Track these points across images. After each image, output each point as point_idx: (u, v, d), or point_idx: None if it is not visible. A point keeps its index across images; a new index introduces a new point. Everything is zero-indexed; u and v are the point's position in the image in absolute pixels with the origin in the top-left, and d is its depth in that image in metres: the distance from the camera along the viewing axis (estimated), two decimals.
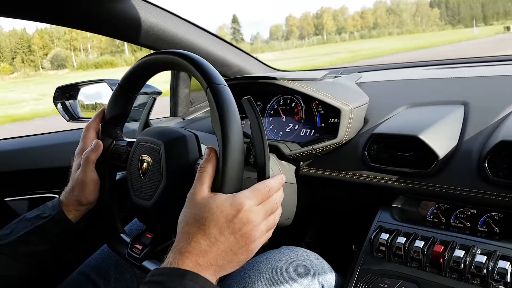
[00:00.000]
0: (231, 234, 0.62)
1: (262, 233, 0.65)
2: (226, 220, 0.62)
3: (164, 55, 0.79)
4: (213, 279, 0.62)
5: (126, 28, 1.16)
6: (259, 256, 0.88)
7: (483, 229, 0.84)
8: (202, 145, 0.83)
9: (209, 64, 0.72)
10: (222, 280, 0.84)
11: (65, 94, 1.55)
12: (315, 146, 1.06)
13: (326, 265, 0.89)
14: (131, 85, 0.88)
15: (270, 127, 1.24)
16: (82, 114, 1.53)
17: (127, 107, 0.91)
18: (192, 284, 0.58)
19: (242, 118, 1.32)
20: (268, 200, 0.67)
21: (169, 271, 0.60)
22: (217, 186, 0.66)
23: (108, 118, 0.91)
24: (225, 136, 0.66)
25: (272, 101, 1.27)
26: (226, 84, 0.70)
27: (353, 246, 0.95)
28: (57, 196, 0.91)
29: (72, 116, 1.54)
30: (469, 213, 0.87)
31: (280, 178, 0.70)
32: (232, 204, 0.63)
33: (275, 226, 0.69)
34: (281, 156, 1.10)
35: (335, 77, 1.28)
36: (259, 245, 0.66)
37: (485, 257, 0.74)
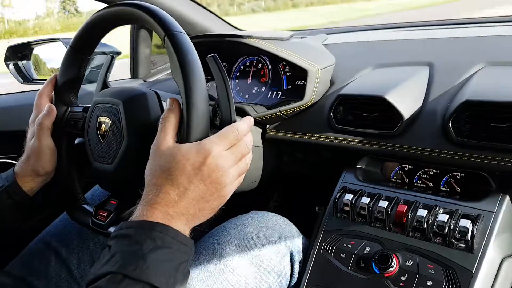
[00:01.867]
0: (200, 182, 0.60)
1: (233, 178, 0.64)
2: (194, 168, 0.60)
3: (115, 7, 0.73)
4: (185, 229, 0.60)
5: None
6: (228, 222, 0.88)
7: (445, 189, 0.86)
8: (163, 102, 0.80)
9: (165, 12, 0.68)
10: None
11: (17, 54, 1.47)
12: (281, 109, 1.04)
13: (294, 229, 0.89)
14: (83, 46, 0.83)
15: (236, 89, 1.21)
16: (36, 75, 1.46)
17: (81, 70, 0.85)
18: (162, 236, 0.56)
19: (207, 80, 1.29)
20: (237, 144, 0.65)
21: (137, 224, 0.58)
22: (183, 136, 0.63)
23: (61, 83, 0.86)
24: (187, 84, 0.62)
25: (238, 62, 1.23)
26: (184, 32, 0.66)
27: (317, 208, 0.96)
28: (12, 161, 0.86)
29: (25, 77, 1.46)
30: (432, 173, 0.88)
31: (248, 120, 0.68)
32: (198, 151, 0.61)
33: (246, 170, 0.68)
34: None
35: (302, 37, 1.26)
36: (231, 191, 0.64)
37: (447, 216, 0.76)
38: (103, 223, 0.78)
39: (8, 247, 0.95)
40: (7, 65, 1.47)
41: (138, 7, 0.69)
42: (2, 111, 1.36)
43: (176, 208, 0.59)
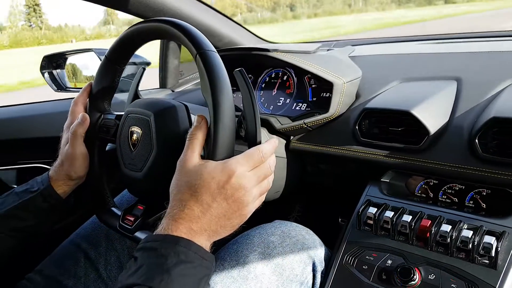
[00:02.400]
0: (223, 200, 0.63)
1: (255, 197, 0.66)
2: (218, 186, 0.63)
3: (151, 23, 0.77)
4: (207, 244, 0.63)
5: None
6: (252, 230, 0.89)
7: (470, 205, 0.85)
8: (192, 115, 0.82)
9: (198, 30, 0.71)
10: (215, 252, 0.85)
11: (52, 64, 1.52)
12: (306, 120, 1.05)
13: (317, 240, 0.90)
14: (118, 57, 0.87)
15: (261, 100, 1.23)
16: (69, 84, 1.51)
17: (115, 80, 0.89)
18: (185, 251, 0.59)
19: (233, 91, 1.31)
20: (261, 166, 0.67)
21: (162, 237, 0.61)
22: (209, 153, 0.66)
23: (96, 91, 0.90)
24: (215, 102, 0.65)
25: (263, 74, 1.25)
26: (215, 51, 0.69)
27: (340, 219, 0.96)
28: (45, 166, 0.90)
29: (59, 86, 1.51)
30: (457, 188, 0.88)
31: (273, 142, 0.71)
32: (223, 170, 0.63)
33: (267, 190, 0.70)
34: (272, 130, 1.10)
35: (328, 50, 1.27)
36: (252, 210, 0.67)
37: (471, 232, 0.75)
38: (130, 227, 0.81)
39: (40, 247, 0.99)
40: (43, 74, 1.53)
41: (172, 24, 0.72)
42: (38, 118, 1.41)
43: (199, 224, 0.62)
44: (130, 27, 0.81)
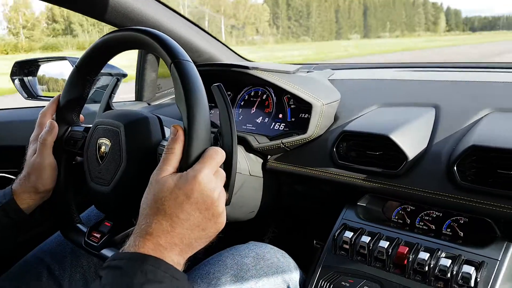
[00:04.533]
0: (195, 210, 0.59)
1: (223, 201, 0.63)
2: (186, 196, 0.59)
3: (123, 32, 0.74)
4: (179, 259, 0.59)
5: (90, 2, 1.09)
6: (225, 251, 0.86)
7: (448, 232, 0.84)
8: (165, 128, 0.80)
9: (173, 40, 0.68)
10: (186, 272, 0.80)
11: (24, 70, 1.47)
12: (284, 140, 1.03)
13: (292, 263, 0.87)
14: (88, 67, 0.83)
15: (240, 118, 1.20)
16: (41, 92, 1.46)
17: (85, 91, 0.85)
18: (153, 269, 0.55)
19: (211, 108, 1.28)
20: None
21: (129, 255, 0.57)
22: (182, 165, 0.62)
23: (64, 102, 0.86)
24: (190, 112, 0.62)
25: (242, 92, 1.23)
26: (191, 61, 0.66)
27: (315, 242, 0.94)
28: (10, 176, 0.85)
29: (30, 93, 1.46)
30: (434, 215, 0.87)
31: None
32: (189, 178, 0.59)
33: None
34: (249, 148, 1.07)
35: (307, 72, 1.26)
36: (225, 216, 0.63)
37: (450, 260, 0.74)
38: (96, 244, 0.77)
39: (0, 261, 0.92)
40: (13, 80, 1.47)
41: (146, 33, 0.69)
42: (5, 125, 1.35)
43: (168, 239, 0.58)
44: (102, 36, 0.78)
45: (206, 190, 0.59)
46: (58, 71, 1.41)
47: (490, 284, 0.71)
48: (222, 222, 0.62)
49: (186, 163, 0.62)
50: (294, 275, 0.85)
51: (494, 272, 0.72)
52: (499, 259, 0.73)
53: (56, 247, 0.95)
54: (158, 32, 0.69)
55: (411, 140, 0.89)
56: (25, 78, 1.47)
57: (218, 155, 0.62)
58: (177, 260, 0.58)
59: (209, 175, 0.60)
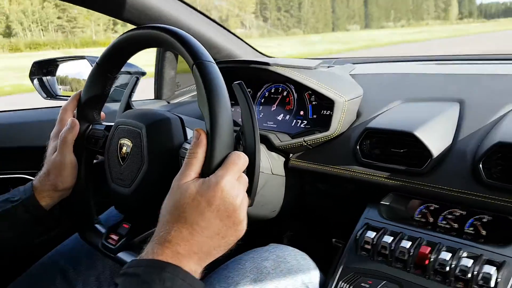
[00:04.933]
0: (215, 218, 0.60)
1: (244, 207, 0.64)
2: (208, 204, 0.60)
3: (145, 30, 0.75)
4: (196, 268, 0.60)
5: (109, 1, 1.13)
6: (244, 254, 0.87)
7: (470, 231, 0.86)
8: (187, 129, 0.81)
9: (195, 40, 0.69)
10: (205, 277, 0.82)
11: (43, 70, 1.52)
12: (306, 138, 1.06)
13: (312, 265, 0.89)
14: (110, 64, 0.85)
15: (260, 116, 1.23)
16: (60, 91, 1.50)
17: (106, 88, 0.87)
18: (171, 277, 0.56)
19: (232, 105, 1.31)
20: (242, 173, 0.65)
21: (146, 262, 0.58)
22: (203, 170, 0.63)
23: (85, 100, 0.87)
24: (213, 115, 0.63)
25: (263, 89, 1.26)
26: (213, 61, 0.67)
27: (333, 240, 0.95)
28: (29, 177, 0.88)
29: (49, 93, 1.51)
30: (458, 214, 0.88)
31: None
32: (211, 185, 0.60)
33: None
34: (271, 147, 1.10)
35: (328, 67, 1.28)
36: (246, 223, 0.64)
37: (471, 260, 0.75)
38: (113, 247, 0.79)
39: (17, 263, 0.97)
40: (32, 80, 1.52)
41: (169, 32, 0.70)
42: (23, 126, 1.40)
43: (188, 246, 0.59)
44: (124, 33, 0.79)
45: (228, 197, 0.60)
46: (77, 71, 1.46)
47: (510, 284, 0.72)
48: (242, 229, 0.63)
49: (209, 168, 0.63)
50: (314, 278, 0.87)
51: None
52: None
53: (71, 250, 0.97)
54: (181, 31, 0.70)
55: (436, 137, 0.91)
56: (44, 78, 1.52)
57: (240, 160, 0.63)
58: (194, 268, 0.59)
59: (232, 181, 0.61)
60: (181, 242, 0.59)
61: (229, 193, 0.61)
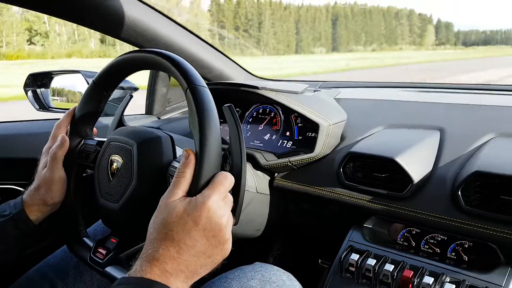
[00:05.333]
0: (202, 237, 0.59)
1: (230, 227, 0.62)
2: (195, 223, 0.58)
3: (143, 53, 0.75)
4: (184, 286, 0.58)
5: (108, 21, 1.10)
6: (230, 273, 0.85)
7: (452, 256, 0.84)
8: (177, 147, 0.80)
9: (190, 65, 0.69)
10: None
11: (37, 82, 1.49)
12: (291, 159, 1.04)
13: (298, 285, 0.86)
14: (106, 83, 0.84)
15: (248, 134, 1.21)
16: (53, 104, 1.47)
17: (100, 105, 0.86)
18: None
19: (220, 123, 1.29)
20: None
21: (135, 280, 0.56)
22: (190, 190, 0.62)
23: (79, 116, 0.86)
24: (203, 138, 0.62)
25: (251, 109, 1.24)
26: (206, 86, 0.67)
27: (320, 261, 0.93)
28: (20, 189, 0.85)
29: (42, 105, 1.47)
30: (439, 239, 0.87)
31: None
32: (198, 204, 0.59)
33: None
34: (257, 165, 1.08)
35: (314, 91, 1.27)
36: (231, 243, 0.63)
37: (454, 285, 0.74)
38: (101, 261, 0.77)
39: (5, 275, 0.92)
40: (26, 92, 1.48)
41: (165, 57, 0.70)
42: (17, 137, 1.35)
43: (175, 265, 0.57)
44: (122, 55, 0.79)
45: (214, 217, 0.59)
46: (71, 84, 1.43)
47: None
48: (228, 248, 0.62)
49: (196, 188, 0.62)
50: None
51: None
52: (503, 285, 0.73)
53: (60, 262, 0.94)
54: (176, 56, 0.70)
55: (417, 163, 0.89)
56: (38, 90, 1.49)
57: (227, 180, 0.62)
58: (181, 286, 0.58)
59: (218, 201, 0.60)
60: (168, 260, 0.57)
61: (215, 213, 0.59)
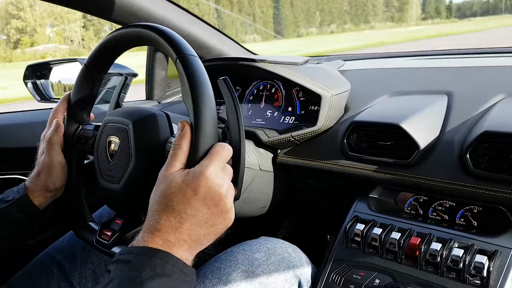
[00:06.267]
0: (203, 206, 0.60)
1: (231, 196, 0.63)
2: (194, 192, 0.59)
3: (129, 29, 0.75)
4: (187, 255, 0.59)
5: (98, 2, 1.10)
6: (236, 246, 0.86)
7: (461, 222, 0.83)
8: (173, 124, 0.80)
9: (179, 35, 0.69)
10: (197, 268, 0.81)
11: (36, 73, 1.51)
12: (293, 134, 1.03)
13: (303, 257, 0.87)
14: (97, 65, 0.84)
15: (249, 113, 1.21)
16: (53, 94, 1.49)
17: (94, 89, 0.87)
18: (162, 263, 0.56)
19: (219, 104, 1.29)
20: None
21: (137, 250, 0.58)
22: (189, 162, 0.63)
23: (74, 101, 0.87)
24: (196, 108, 0.62)
25: (251, 87, 1.23)
26: (196, 55, 0.67)
27: (328, 236, 0.93)
28: (24, 178, 0.87)
29: (43, 96, 1.50)
30: (448, 205, 0.85)
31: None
32: (196, 174, 0.60)
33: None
34: (259, 143, 1.08)
35: (317, 63, 1.26)
36: (233, 211, 0.63)
37: (462, 250, 0.73)
38: (107, 242, 0.78)
39: (14, 261, 0.96)
40: (26, 84, 1.50)
41: (151, 28, 0.70)
42: (19, 127, 1.38)
43: (177, 235, 0.59)
44: (109, 34, 0.79)
45: (213, 186, 0.60)
46: (70, 73, 1.44)
47: (503, 273, 0.70)
48: (230, 218, 0.63)
49: (194, 159, 0.62)
50: (306, 270, 0.85)
51: (508, 261, 0.71)
52: None
53: (67, 245, 0.97)
54: (164, 27, 0.69)
55: (423, 129, 0.88)
56: (38, 81, 1.51)
57: (225, 151, 0.63)
58: (185, 255, 0.59)
59: (216, 171, 0.61)
60: (170, 230, 0.58)
61: (214, 182, 0.60)
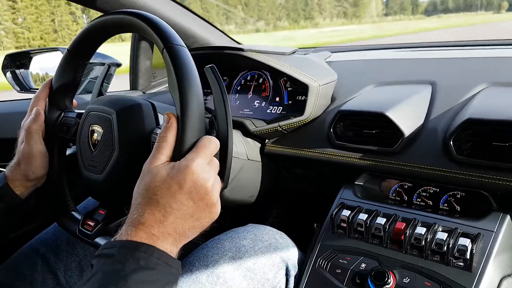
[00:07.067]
0: (188, 200, 0.60)
1: (217, 190, 0.64)
2: (180, 186, 0.59)
3: (115, 15, 0.73)
4: (172, 249, 0.60)
5: None
6: (223, 234, 0.87)
7: (445, 207, 0.87)
8: (159, 114, 0.80)
9: (166, 24, 0.68)
10: (184, 257, 0.83)
11: (15, 63, 1.50)
12: (281, 123, 1.06)
13: (291, 243, 0.89)
14: (80, 51, 0.83)
15: (237, 103, 1.23)
16: (34, 84, 1.48)
17: (77, 75, 0.85)
18: (146, 256, 0.56)
19: (206, 94, 1.31)
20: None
21: (121, 243, 0.58)
22: (175, 155, 0.63)
23: (56, 87, 0.86)
24: (183, 100, 0.62)
25: (239, 77, 1.25)
26: (184, 46, 0.66)
27: (315, 224, 0.96)
28: (2, 169, 0.87)
29: (23, 86, 1.49)
30: (432, 191, 0.89)
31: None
32: (182, 168, 0.60)
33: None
34: (246, 132, 1.10)
35: (305, 54, 1.28)
36: (219, 205, 0.64)
37: (446, 234, 0.76)
38: (90, 232, 0.78)
39: None
40: (5, 73, 1.49)
41: (138, 16, 0.69)
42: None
43: (161, 228, 0.59)
44: (94, 19, 0.78)
45: (199, 180, 0.60)
46: (50, 62, 1.44)
47: (485, 256, 0.73)
48: (216, 211, 0.63)
49: (179, 152, 0.62)
50: (293, 255, 0.87)
51: (490, 243, 0.75)
52: (495, 231, 0.76)
53: (51, 237, 0.96)
54: (151, 15, 0.68)
55: (407, 117, 0.91)
56: (17, 71, 1.50)
57: (211, 144, 0.63)
58: (170, 248, 0.59)
59: (203, 164, 0.61)
60: (154, 224, 0.58)
61: (200, 176, 0.60)
